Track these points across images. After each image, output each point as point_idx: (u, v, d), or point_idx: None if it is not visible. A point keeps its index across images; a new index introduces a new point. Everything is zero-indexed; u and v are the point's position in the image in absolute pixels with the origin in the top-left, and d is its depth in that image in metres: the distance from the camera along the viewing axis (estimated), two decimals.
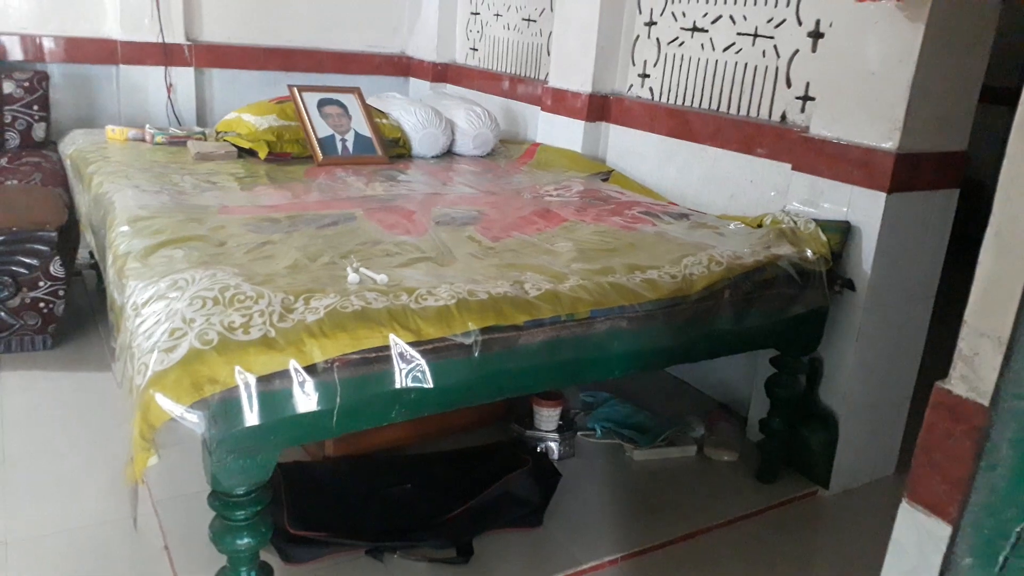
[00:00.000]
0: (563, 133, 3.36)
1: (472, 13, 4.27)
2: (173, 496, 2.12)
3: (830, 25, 2.39)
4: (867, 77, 2.16)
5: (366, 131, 3.19)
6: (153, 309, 1.51)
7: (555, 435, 2.39)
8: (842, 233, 2.22)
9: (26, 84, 3.33)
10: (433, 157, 3.38)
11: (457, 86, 4.34)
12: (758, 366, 2.49)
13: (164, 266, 1.70)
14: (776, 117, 2.63)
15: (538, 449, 2.38)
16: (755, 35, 2.68)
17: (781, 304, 2.09)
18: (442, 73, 4.42)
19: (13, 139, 3.33)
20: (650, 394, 2.80)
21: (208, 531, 1.52)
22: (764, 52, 2.65)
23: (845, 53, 2.22)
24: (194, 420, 1.35)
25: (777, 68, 2.61)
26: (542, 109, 3.51)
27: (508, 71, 4.02)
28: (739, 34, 2.74)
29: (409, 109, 3.37)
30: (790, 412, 2.32)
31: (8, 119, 3.32)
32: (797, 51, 2.55)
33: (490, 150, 3.51)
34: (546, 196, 2.72)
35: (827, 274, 2.16)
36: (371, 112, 3.26)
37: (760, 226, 2.35)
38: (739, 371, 2.70)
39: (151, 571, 1.88)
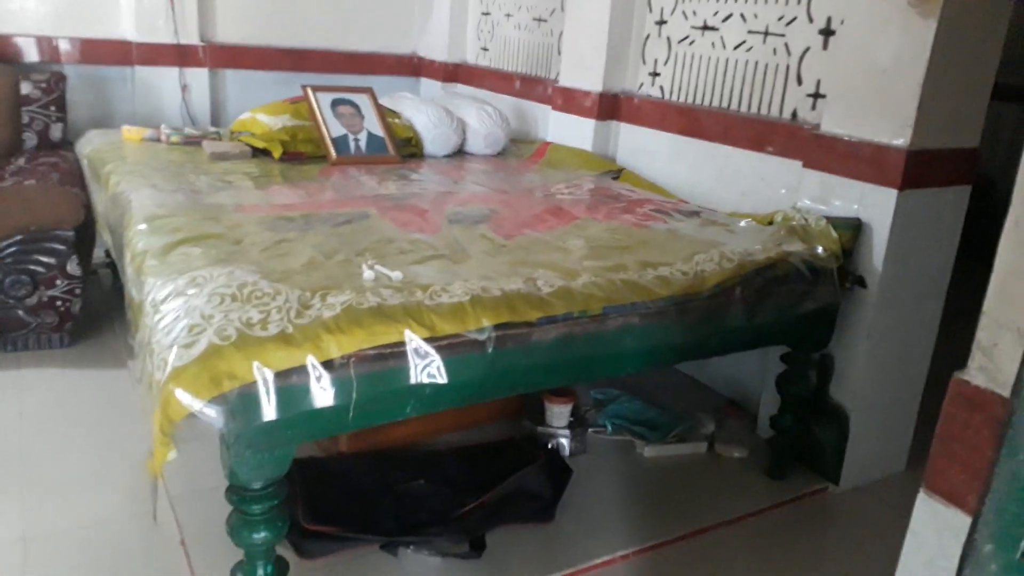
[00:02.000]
0: (573, 132, 3.37)
1: (483, 13, 4.29)
2: (189, 491, 2.15)
3: (841, 23, 2.39)
4: (878, 74, 2.16)
5: (379, 131, 3.21)
6: (172, 306, 1.54)
7: (566, 431, 2.41)
8: (853, 230, 2.22)
9: (44, 85, 3.37)
10: (445, 156, 3.39)
11: (468, 86, 4.36)
12: (768, 363, 2.50)
13: (182, 264, 1.72)
14: (787, 115, 2.63)
15: (549, 445, 2.40)
16: (766, 33, 2.69)
17: (792, 301, 2.09)
18: (453, 73, 4.44)
19: (31, 139, 3.37)
20: (661, 391, 2.81)
21: (225, 526, 1.55)
22: (775, 50, 2.66)
23: (856, 51, 2.22)
24: (213, 415, 1.37)
25: (788, 66, 2.62)
26: (552, 108, 3.52)
27: (519, 71, 4.03)
28: (750, 32, 2.75)
29: (421, 109, 3.39)
30: (801, 409, 2.33)
31: (26, 120, 3.35)
32: (808, 49, 2.55)
33: (501, 149, 3.53)
34: (557, 194, 2.74)
35: (838, 271, 2.16)
36: (383, 112, 3.28)
37: (771, 223, 2.36)
38: (749, 368, 2.71)
39: (168, 565, 1.91)
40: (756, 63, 2.73)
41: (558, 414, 2.40)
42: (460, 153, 3.47)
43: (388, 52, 4.57)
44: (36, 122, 3.38)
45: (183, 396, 1.35)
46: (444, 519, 2.04)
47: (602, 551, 2.02)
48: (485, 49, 4.30)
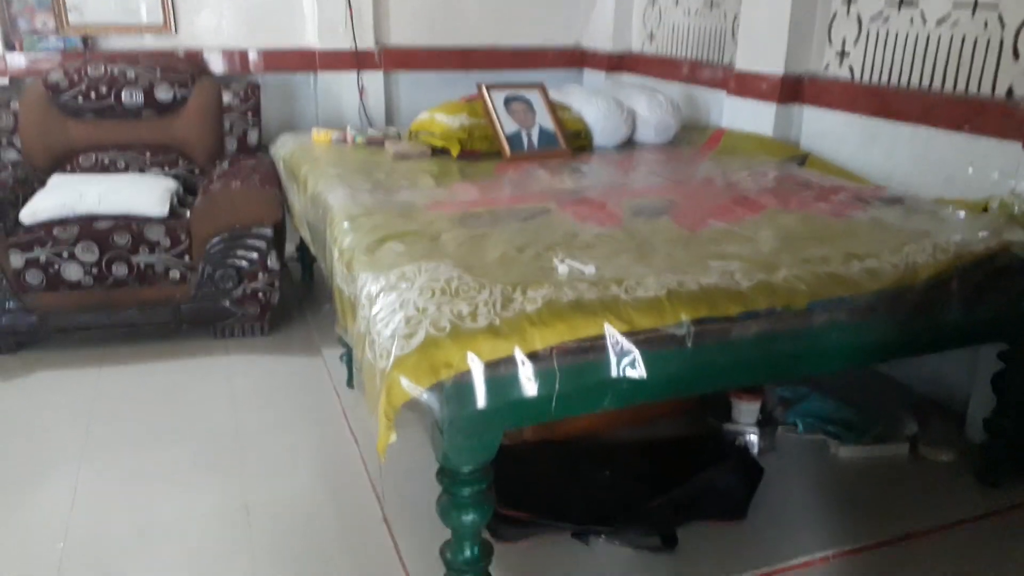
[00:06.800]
0: (751, 117, 3.25)
1: (650, 1, 4.22)
2: (386, 473, 2.27)
3: None
4: None
5: (550, 125, 3.24)
6: (387, 299, 1.62)
7: (755, 429, 2.34)
8: None
9: (241, 94, 3.66)
10: (614, 147, 3.38)
11: (633, 74, 4.31)
12: (979, 360, 2.31)
13: (390, 260, 1.81)
14: (1000, 93, 2.41)
15: (736, 443, 2.34)
16: (975, 5, 2.47)
17: (1015, 294, 1.93)
18: (617, 62, 4.40)
19: (231, 144, 3.67)
20: (852, 389, 2.65)
21: (435, 506, 1.61)
22: (986, 23, 2.44)
23: None
24: (431, 401, 1.44)
25: (1002, 39, 2.40)
26: (727, 93, 3.41)
27: (688, 56, 3.94)
28: (955, 6, 2.54)
29: (591, 100, 3.38)
30: (1020, 411, 2.14)
31: (227, 126, 3.66)
32: None
33: (671, 137, 3.47)
34: (740, 183, 2.65)
35: None
36: (554, 107, 3.31)
37: (985, 211, 2.17)
38: (953, 366, 2.51)
39: (373, 541, 2.03)
40: (963, 38, 2.52)
41: (746, 411, 2.33)
42: (630, 143, 3.44)
43: (551, 46, 4.60)
44: (235, 128, 3.67)
45: (406, 383, 1.42)
46: (633, 511, 2.04)
47: (799, 552, 1.95)
48: (652, 37, 4.24)
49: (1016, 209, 2.08)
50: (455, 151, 3.09)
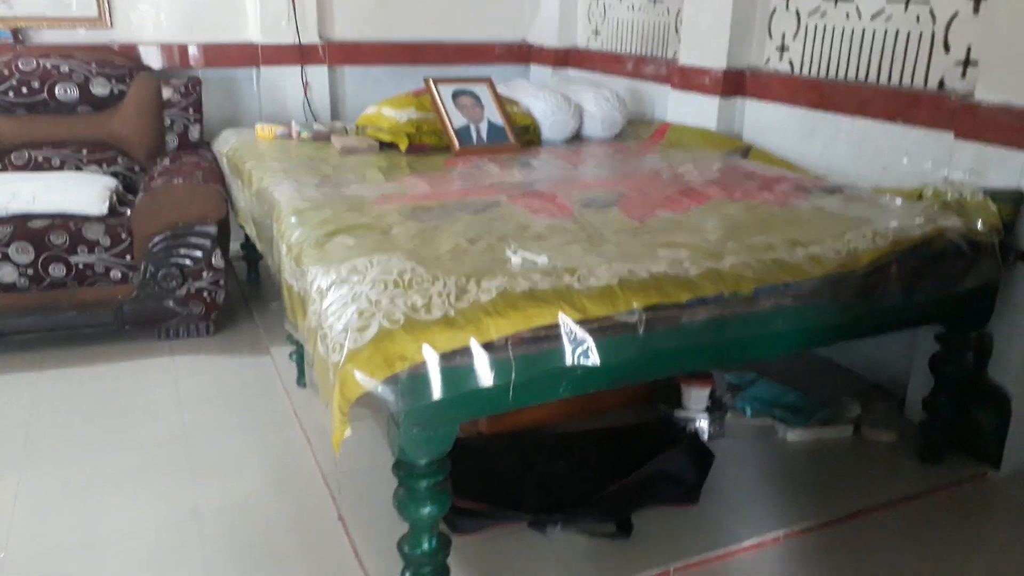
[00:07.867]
0: (695, 111, 3.31)
1: None
2: (339, 471, 2.24)
3: None
4: None
5: (499, 120, 3.24)
6: (339, 293, 1.60)
7: (705, 415, 2.38)
8: (1014, 203, 2.10)
9: (182, 89, 3.57)
10: (562, 141, 3.40)
11: (579, 69, 4.34)
12: (918, 343, 2.40)
13: (341, 253, 1.79)
14: (932, 84, 2.50)
15: (687, 429, 2.37)
16: (907, 1, 2.56)
17: (950, 278, 2.00)
18: (563, 58, 4.43)
19: (172, 141, 3.58)
20: (798, 374, 2.73)
21: (392, 500, 1.60)
22: (918, 17, 2.53)
23: (1015, 12, 2.09)
24: (386, 394, 1.43)
25: (933, 33, 2.48)
26: (672, 87, 3.46)
27: (633, 52, 3.98)
28: (888, 1, 2.62)
29: (538, 95, 3.40)
30: (957, 390, 2.23)
31: (168, 122, 3.56)
32: (956, 14, 2.41)
33: (618, 132, 3.50)
34: (686, 175, 2.69)
35: (999, 246, 2.05)
36: (502, 101, 3.31)
37: (920, 198, 2.25)
38: (893, 350, 2.60)
39: (329, 540, 2.00)
40: (896, 32, 2.60)
41: (696, 397, 2.37)
42: (577, 138, 3.47)
43: (498, 41, 4.60)
44: (176, 124, 3.58)
45: (360, 376, 1.40)
46: (588, 499, 2.05)
47: (751, 534, 2.00)
48: (596, 32, 4.27)
49: (949, 196, 2.16)
50: (403, 145, 3.07)
